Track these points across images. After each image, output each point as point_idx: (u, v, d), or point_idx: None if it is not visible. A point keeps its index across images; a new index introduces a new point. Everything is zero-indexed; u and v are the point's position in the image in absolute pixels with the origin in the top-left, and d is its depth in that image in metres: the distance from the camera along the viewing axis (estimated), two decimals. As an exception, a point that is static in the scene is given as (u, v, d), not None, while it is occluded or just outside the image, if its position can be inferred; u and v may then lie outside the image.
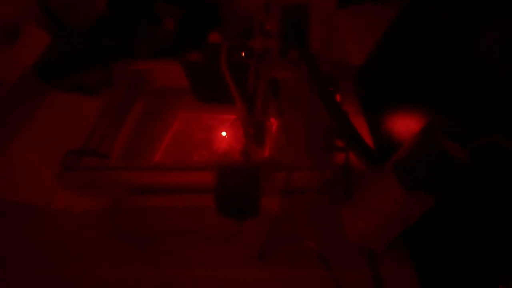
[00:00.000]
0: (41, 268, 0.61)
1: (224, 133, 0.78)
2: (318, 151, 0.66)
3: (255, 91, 0.60)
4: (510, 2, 0.46)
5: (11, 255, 0.63)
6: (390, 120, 0.72)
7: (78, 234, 0.66)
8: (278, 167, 0.62)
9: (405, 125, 0.66)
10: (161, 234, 0.63)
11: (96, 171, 0.67)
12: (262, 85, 0.61)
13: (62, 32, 0.97)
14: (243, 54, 0.62)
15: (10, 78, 0.88)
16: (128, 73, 0.90)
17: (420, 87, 0.63)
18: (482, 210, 0.47)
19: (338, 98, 0.81)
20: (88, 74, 0.94)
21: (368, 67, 0.86)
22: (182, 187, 0.67)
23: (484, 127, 0.47)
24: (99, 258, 0.62)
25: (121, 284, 0.61)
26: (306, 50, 0.60)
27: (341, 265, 0.57)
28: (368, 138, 0.75)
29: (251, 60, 0.62)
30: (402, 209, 0.49)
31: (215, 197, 0.53)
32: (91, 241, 0.64)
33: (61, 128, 0.82)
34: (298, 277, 0.59)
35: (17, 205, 0.69)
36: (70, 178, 0.66)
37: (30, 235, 0.66)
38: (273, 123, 0.77)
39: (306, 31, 0.65)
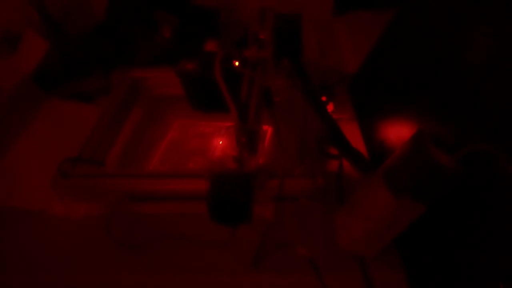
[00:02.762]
0: (38, 273, 0.62)
1: (220, 142, 0.79)
2: (311, 158, 0.66)
3: (249, 99, 0.61)
4: (500, 12, 0.47)
5: (9, 261, 0.64)
6: (383, 127, 0.73)
7: (76, 240, 0.66)
8: (272, 174, 0.62)
9: (398, 132, 0.66)
10: (156, 240, 0.63)
11: (92, 178, 0.68)
12: (256, 94, 0.62)
13: (61, 39, 0.98)
14: (236, 64, 0.62)
15: (9, 86, 0.89)
16: (126, 80, 0.90)
17: (412, 94, 0.64)
18: (473, 215, 0.48)
19: (332, 105, 0.82)
20: (86, 81, 0.95)
21: (362, 74, 0.87)
22: (177, 194, 0.68)
23: (474, 135, 0.47)
24: (96, 264, 0.63)
25: (116, 290, 0.62)
26: (298, 59, 0.61)
27: (333, 271, 0.58)
28: (361, 145, 0.76)
29: (245, 69, 0.63)
30: (392, 216, 0.49)
31: (208, 204, 0.53)
32: (88, 247, 0.65)
33: (59, 135, 0.83)
34: (290, 284, 0.60)
35: (15, 211, 0.70)
36: (66, 185, 0.66)
37: (28, 241, 0.66)
38: (267, 131, 0.78)
39: (299, 40, 0.66)
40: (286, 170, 0.62)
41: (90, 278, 0.62)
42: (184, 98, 0.75)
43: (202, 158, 0.79)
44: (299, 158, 0.67)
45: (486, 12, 0.49)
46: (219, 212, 0.54)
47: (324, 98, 0.82)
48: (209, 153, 0.79)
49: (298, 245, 0.58)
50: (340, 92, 0.87)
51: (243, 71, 0.63)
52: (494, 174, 0.43)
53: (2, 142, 0.82)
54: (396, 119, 0.68)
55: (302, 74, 0.59)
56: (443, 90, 0.55)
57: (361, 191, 0.55)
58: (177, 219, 0.66)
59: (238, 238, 0.61)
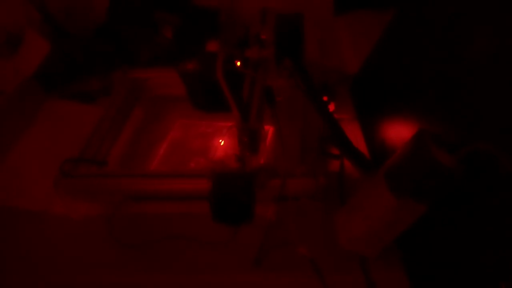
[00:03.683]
0: (39, 273, 0.62)
1: (221, 141, 0.80)
2: (313, 158, 0.67)
3: (250, 99, 0.61)
4: (501, 11, 0.47)
5: (11, 260, 0.64)
6: (385, 127, 0.73)
7: (77, 240, 0.66)
8: (273, 174, 0.62)
9: (399, 132, 0.66)
10: (158, 240, 0.63)
11: (93, 178, 0.68)
12: (257, 93, 0.62)
13: (63, 40, 0.99)
14: (238, 64, 0.63)
15: (11, 87, 0.89)
16: (127, 81, 0.91)
17: (413, 94, 0.64)
18: (474, 215, 0.48)
19: (333, 105, 0.82)
20: (87, 81, 0.95)
21: (363, 74, 0.87)
22: (179, 194, 0.68)
23: (475, 134, 0.47)
24: (97, 263, 0.63)
25: (117, 289, 0.62)
26: (299, 60, 0.61)
27: (334, 271, 0.58)
28: (362, 145, 0.76)
29: (247, 69, 0.63)
30: (393, 216, 0.49)
31: (210, 203, 0.54)
32: (89, 247, 0.65)
33: (60, 136, 0.83)
34: (291, 283, 0.60)
35: (17, 211, 0.70)
36: (68, 185, 0.67)
37: (29, 241, 0.67)
38: (268, 130, 0.78)
39: (301, 40, 0.66)
40: (288, 170, 0.62)
41: (90, 278, 0.62)
42: (186, 98, 0.75)
43: (204, 158, 0.79)
44: (300, 158, 0.68)
45: (487, 12, 0.49)
46: (221, 212, 0.54)
47: (325, 98, 0.82)
48: (211, 153, 0.79)
49: (299, 245, 0.58)
50: (341, 92, 0.87)
51: (244, 71, 0.63)
52: (495, 173, 0.43)
53: (4, 142, 0.82)
54: (397, 119, 0.68)
55: (303, 73, 0.60)
56: (443, 89, 0.55)
57: (362, 191, 0.55)
58: (178, 219, 0.67)
59: (240, 238, 0.61)
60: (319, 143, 0.70)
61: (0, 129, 0.84)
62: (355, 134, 0.77)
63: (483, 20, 0.49)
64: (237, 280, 0.60)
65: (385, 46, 0.78)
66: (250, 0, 1.01)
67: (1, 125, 0.85)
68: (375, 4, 1.10)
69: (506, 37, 0.44)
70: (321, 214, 0.64)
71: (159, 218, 0.68)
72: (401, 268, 0.58)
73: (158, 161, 0.80)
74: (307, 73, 0.61)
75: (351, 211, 0.57)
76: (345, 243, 0.56)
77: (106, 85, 0.94)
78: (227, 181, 0.55)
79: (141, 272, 0.61)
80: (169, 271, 0.61)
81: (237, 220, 0.56)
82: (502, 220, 0.43)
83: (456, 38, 0.54)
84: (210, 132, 0.85)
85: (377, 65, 0.81)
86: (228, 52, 0.63)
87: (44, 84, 0.94)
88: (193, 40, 0.93)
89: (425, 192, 0.46)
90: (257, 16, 0.72)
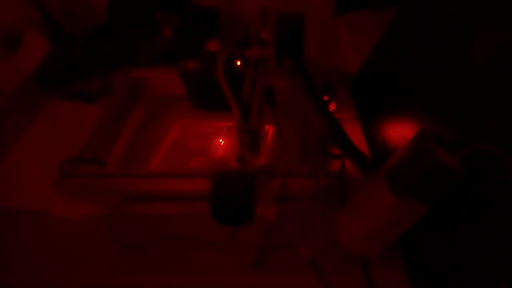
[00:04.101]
0: (39, 273, 0.62)
1: (221, 141, 0.79)
2: (313, 158, 0.66)
3: (251, 99, 0.61)
4: (501, 11, 0.47)
5: (9, 261, 0.64)
6: (385, 127, 0.73)
7: (76, 240, 0.66)
8: (274, 174, 0.62)
9: (400, 132, 0.66)
10: (157, 240, 0.63)
11: (93, 178, 0.68)
12: (258, 93, 0.62)
13: (62, 40, 0.99)
14: (238, 63, 0.63)
15: (10, 87, 0.89)
16: (127, 80, 0.90)
17: (414, 93, 0.64)
18: (475, 215, 0.48)
19: (333, 105, 0.82)
20: (87, 81, 0.95)
21: (364, 74, 0.87)
22: (179, 194, 0.68)
23: (476, 134, 0.47)
24: (97, 264, 0.63)
25: (117, 290, 0.62)
26: (300, 59, 0.61)
27: (335, 271, 0.58)
28: (363, 144, 0.76)
29: (247, 68, 0.63)
30: (394, 216, 0.49)
31: (210, 203, 0.53)
32: (89, 247, 0.65)
33: (60, 136, 0.83)
34: (292, 284, 0.60)
35: (16, 211, 0.70)
36: (67, 185, 0.67)
37: (29, 241, 0.66)
38: (269, 130, 0.78)
39: (301, 39, 0.66)
40: (288, 170, 0.62)
41: (90, 278, 0.62)
42: (186, 98, 0.75)
43: (204, 158, 0.79)
44: (301, 158, 0.67)
45: (487, 12, 0.49)
46: (221, 212, 0.54)
47: (325, 98, 0.82)
48: (211, 153, 0.79)
49: (299, 245, 0.58)
50: (341, 91, 0.87)
51: (245, 71, 0.63)
52: (496, 174, 0.43)
53: (3, 142, 0.82)
54: (398, 118, 0.68)
55: (303, 73, 0.59)
56: (444, 89, 0.55)
57: (363, 191, 0.55)
58: (178, 219, 0.67)
59: (239, 239, 0.61)
60: (319, 143, 0.69)
61: (0, 129, 0.84)
62: (355, 134, 0.77)
63: (483, 20, 0.49)
64: (237, 281, 0.60)
65: (385, 46, 0.78)
66: (250, 0, 1.01)
67: (1, 125, 0.85)
68: (375, 4, 1.10)
69: (506, 37, 0.44)
70: (322, 214, 0.64)
71: (159, 218, 0.68)
72: (402, 269, 0.58)
73: (158, 161, 0.80)
74: (307, 73, 0.60)
75: (352, 211, 0.56)
76: (346, 243, 0.56)
77: (106, 85, 0.94)
78: (227, 181, 0.55)
79: (141, 272, 0.61)
80: (169, 271, 0.61)
81: (237, 221, 0.56)
82: (503, 220, 0.43)
83: (456, 38, 0.54)
84: (210, 132, 0.85)
85: (377, 64, 0.81)
86: (228, 52, 0.63)
87: (43, 84, 0.94)
88: (193, 39, 0.93)
89: (426, 192, 0.46)
90: (257, 15, 0.72)
